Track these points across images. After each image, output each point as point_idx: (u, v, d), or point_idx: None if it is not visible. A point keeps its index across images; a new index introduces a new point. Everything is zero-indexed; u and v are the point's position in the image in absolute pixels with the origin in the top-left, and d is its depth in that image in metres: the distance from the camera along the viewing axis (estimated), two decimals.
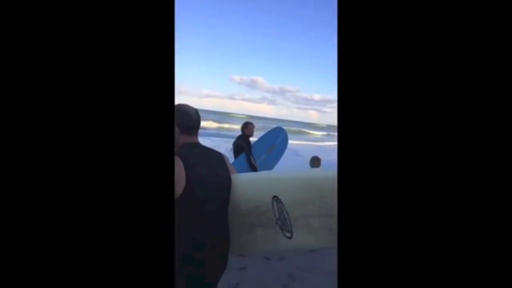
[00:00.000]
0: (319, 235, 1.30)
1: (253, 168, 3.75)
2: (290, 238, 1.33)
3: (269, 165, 4.04)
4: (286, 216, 1.31)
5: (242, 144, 3.84)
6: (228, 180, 1.34)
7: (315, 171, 1.77)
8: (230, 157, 3.92)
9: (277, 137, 4.22)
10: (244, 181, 1.41)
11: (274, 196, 1.31)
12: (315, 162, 4.02)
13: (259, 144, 4.05)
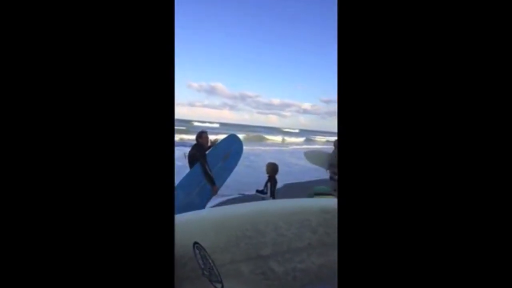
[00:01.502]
0: (251, 281, 1.14)
1: (209, 177, 3.72)
2: None
3: (225, 173, 3.99)
4: (212, 264, 1.15)
5: (196, 154, 3.80)
6: None
7: (231, 207, 1.56)
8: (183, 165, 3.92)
9: (232, 145, 4.22)
10: None
11: (195, 243, 1.15)
12: (270, 168, 3.99)
13: (214, 153, 4.01)
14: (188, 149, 3.81)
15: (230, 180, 3.96)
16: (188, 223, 1.26)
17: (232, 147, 4.17)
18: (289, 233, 1.09)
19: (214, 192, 3.76)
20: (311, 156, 4.92)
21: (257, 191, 4.00)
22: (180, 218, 1.35)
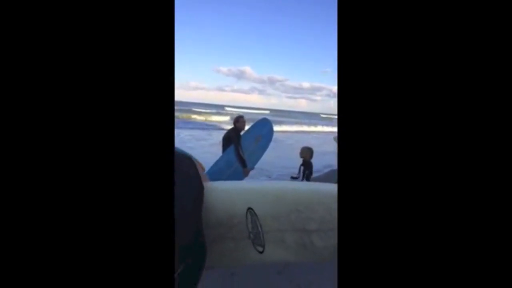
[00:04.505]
0: (291, 249, 1.25)
1: (241, 159, 3.81)
2: (261, 252, 1.27)
3: (257, 156, 4.05)
4: (260, 229, 1.26)
5: (231, 136, 3.91)
6: (196, 188, 1.20)
7: (292, 183, 1.69)
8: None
9: (263, 128, 4.26)
10: (217, 191, 1.33)
11: (249, 208, 1.25)
12: (305, 152, 3.97)
13: (248, 136, 4.07)
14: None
15: None
16: (247, 190, 1.38)
17: (263, 131, 4.22)
18: None
19: (245, 174, 3.86)
20: None
21: (291, 177, 4.00)
22: (237, 185, 1.51)
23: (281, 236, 1.26)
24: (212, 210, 1.28)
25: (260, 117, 4.62)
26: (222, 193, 1.34)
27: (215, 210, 1.28)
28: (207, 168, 3.79)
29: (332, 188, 1.35)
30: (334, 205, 1.20)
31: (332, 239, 1.22)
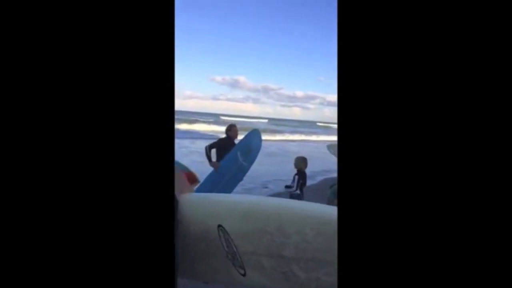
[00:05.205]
0: (272, 276, 1.16)
1: (207, 156, 3.86)
2: (243, 275, 1.21)
3: (247, 168, 4.07)
4: (235, 250, 1.19)
5: (219, 143, 3.96)
6: None
7: (263, 198, 1.62)
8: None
9: (254, 140, 4.26)
10: (191, 202, 1.31)
11: (219, 225, 1.20)
12: (299, 163, 3.94)
13: (240, 148, 4.04)
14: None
15: None
16: (216, 203, 1.32)
17: (254, 143, 4.24)
18: (316, 242, 1.07)
19: (214, 167, 3.86)
20: (335, 149, 4.78)
21: (286, 186, 3.98)
22: (210, 197, 1.44)
23: (258, 260, 1.16)
24: (189, 221, 1.26)
25: (258, 125, 4.65)
26: (195, 206, 1.31)
27: (192, 223, 1.26)
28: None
29: (305, 207, 1.26)
30: (308, 230, 1.08)
31: (314, 271, 1.10)
